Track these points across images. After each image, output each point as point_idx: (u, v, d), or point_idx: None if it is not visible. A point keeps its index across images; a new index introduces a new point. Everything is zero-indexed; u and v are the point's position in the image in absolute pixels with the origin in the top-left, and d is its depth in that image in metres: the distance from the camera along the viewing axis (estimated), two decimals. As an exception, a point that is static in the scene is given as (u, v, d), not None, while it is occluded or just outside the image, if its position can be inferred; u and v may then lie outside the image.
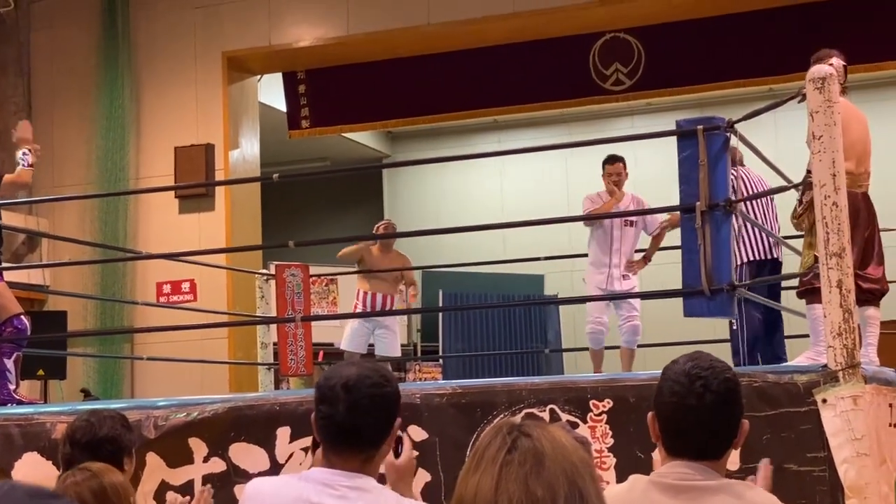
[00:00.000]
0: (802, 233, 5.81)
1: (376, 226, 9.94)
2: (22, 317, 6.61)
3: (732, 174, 6.41)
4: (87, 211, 11.37)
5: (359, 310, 9.68)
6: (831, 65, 5.65)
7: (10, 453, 5.00)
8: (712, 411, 2.36)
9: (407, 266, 9.85)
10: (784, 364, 5.88)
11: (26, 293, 9.98)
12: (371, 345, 9.69)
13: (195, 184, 10.81)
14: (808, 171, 5.15)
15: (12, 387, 6.51)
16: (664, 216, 7.94)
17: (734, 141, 5.27)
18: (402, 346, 13.49)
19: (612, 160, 8.35)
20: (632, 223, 8.21)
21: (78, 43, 11.77)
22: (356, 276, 9.88)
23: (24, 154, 6.75)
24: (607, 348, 8.40)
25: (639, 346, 8.52)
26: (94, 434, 3.51)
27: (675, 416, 2.38)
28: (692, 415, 2.36)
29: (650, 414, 2.45)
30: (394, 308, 9.73)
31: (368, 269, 9.58)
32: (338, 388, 2.46)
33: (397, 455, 2.67)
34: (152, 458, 4.79)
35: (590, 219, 8.12)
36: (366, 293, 9.64)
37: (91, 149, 11.54)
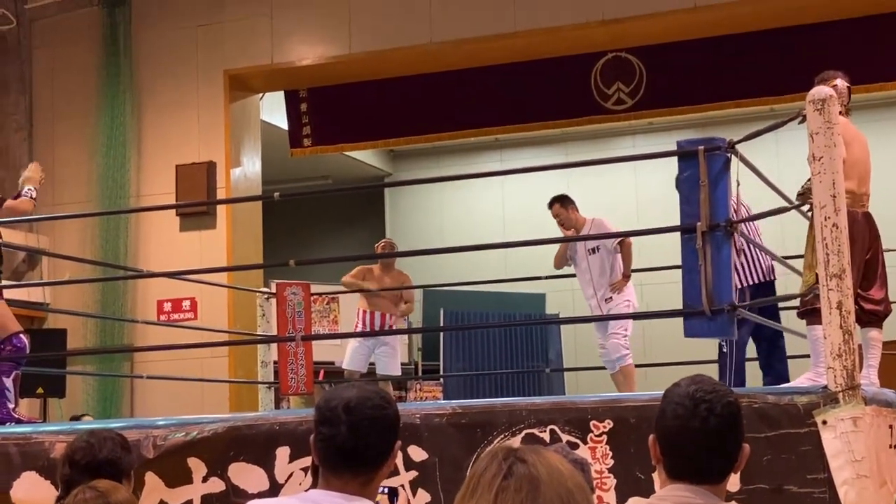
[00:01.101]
0: (799, 254, 5.81)
1: (377, 245, 9.95)
2: (21, 335, 6.60)
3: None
4: (88, 229, 11.38)
5: (359, 329, 9.68)
6: (835, 86, 5.66)
7: (8, 473, 4.98)
8: (715, 435, 2.35)
9: (407, 284, 9.85)
10: (784, 385, 5.87)
11: (26, 311, 9.98)
12: (372, 363, 9.69)
13: (196, 202, 10.82)
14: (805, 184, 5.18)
15: (11, 405, 6.49)
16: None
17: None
18: (403, 364, 13.48)
19: (549, 205, 8.45)
20: (593, 250, 8.26)
21: (79, 61, 11.80)
22: (357, 294, 9.88)
23: (28, 189, 6.79)
24: (598, 368, 8.43)
25: (640, 365, 8.52)
26: (94, 456, 3.50)
27: (677, 438, 2.37)
28: (695, 438, 2.35)
29: (651, 436, 2.44)
30: (394, 326, 9.73)
31: (366, 290, 9.58)
32: (339, 409, 2.45)
33: None
34: (151, 478, 4.77)
35: (573, 241, 8.19)
36: (365, 312, 9.65)
37: (92, 166, 11.55)
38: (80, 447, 3.55)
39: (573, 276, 9.66)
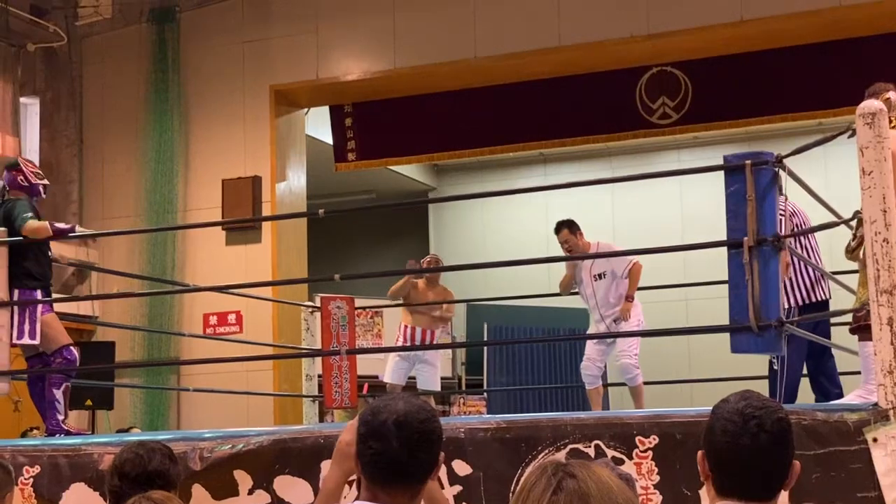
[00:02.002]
0: (851, 268, 5.74)
1: (422, 260, 9.96)
2: (71, 348, 6.68)
3: (790, 207, 6.36)
4: (136, 243, 11.50)
5: (399, 343, 9.69)
6: (887, 99, 5.59)
7: (58, 484, 5.03)
8: (766, 451, 2.33)
9: (448, 298, 9.85)
10: (834, 402, 5.80)
11: (76, 324, 10.09)
12: (412, 377, 9.70)
13: (242, 219, 10.90)
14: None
15: (61, 417, 6.57)
16: (630, 258, 8.18)
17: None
18: (447, 378, 13.51)
19: (556, 230, 8.55)
20: (599, 276, 8.27)
21: (128, 77, 11.95)
22: (400, 308, 9.90)
23: (70, 226, 6.85)
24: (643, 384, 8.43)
25: (686, 381, 8.49)
26: (144, 468, 3.51)
27: (727, 455, 2.35)
28: (745, 455, 2.33)
29: (700, 452, 2.43)
30: (434, 342, 9.73)
31: (410, 303, 9.60)
32: (389, 423, 2.46)
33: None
34: (198, 490, 4.80)
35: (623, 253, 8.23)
36: (406, 327, 9.65)
37: (140, 181, 11.68)
38: (130, 459, 3.56)
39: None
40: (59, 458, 5.09)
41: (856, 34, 10.14)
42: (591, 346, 8.55)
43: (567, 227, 8.49)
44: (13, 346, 6.57)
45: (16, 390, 8.23)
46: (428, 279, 9.74)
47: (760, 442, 2.32)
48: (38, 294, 6.62)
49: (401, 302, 9.76)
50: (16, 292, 6.54)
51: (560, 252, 8.50)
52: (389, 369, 9.59)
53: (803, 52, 10.40)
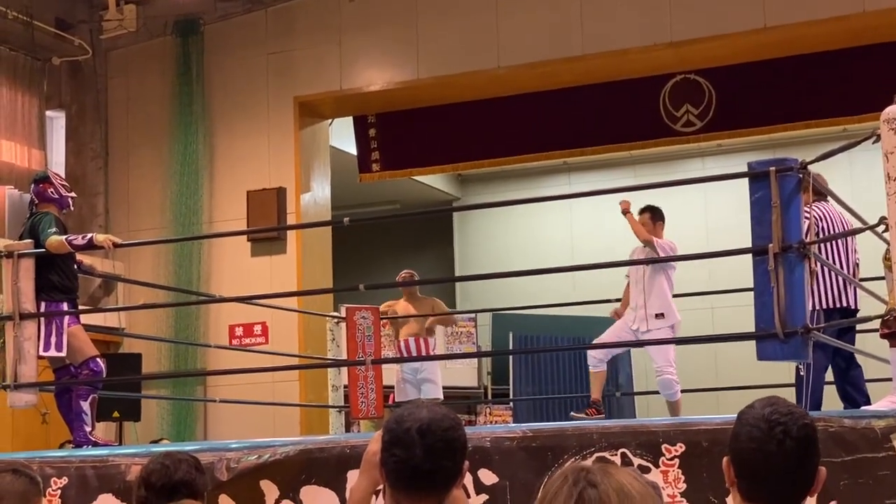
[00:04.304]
0: (879, 275, 5.71)
1: (399, 275, 9.81)
2: (98, 359, 6.71)
3: (817, 211, 6.31)
4: (162, 254, 11.55)
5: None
6: (915, 104, 5.55)
7: (85, 495, 5.06)
8: (792, 458, 2.33)
9: (437, 307, 9.78)
10: (861, 409, 5.76)
11: (102, 335, 10.14)
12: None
13: (267, 228, 10.93)
14: None
15: (88, 428, 6.60)
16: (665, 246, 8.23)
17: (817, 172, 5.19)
18: (473, 389, 13.49)
19: (641, 210, 8.56)
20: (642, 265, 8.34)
21: (153, 89, 12.02)
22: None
23: (90, 236, 6.82)
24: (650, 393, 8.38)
25: (713, 389, 8.43)
26: (170, 478, 3.53)
27: (753, 462, 2.35)
28: (771, 461, 2.33)
29: (726, 458, 2.42)
30: (430, 348, 9.69)
31: (395, 317, 9.61)
32: (413, 431, 2.46)
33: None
34: (224, 501, 4.81)
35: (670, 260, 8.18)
36: (401, 342, 9.60)
37: (166, 193, 11.74)
38: (156, 469, 3.58)
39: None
40: (87, 469, 5.12)
41: (880, 40, 10.09)
42: (611, 331, 8.45)
43: (650, 212, 8.52)
44: (40, 358, 6.61)
45: (43, 402, 8.28)
46: (407, 296, 9.70)
47: (786, 448, 2.32)
48: (65, 306, 6.66)
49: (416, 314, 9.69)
50: (42, 304, 6.59)
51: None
52: (399, 393, 9.56)
53: (827, 58, 10.36)
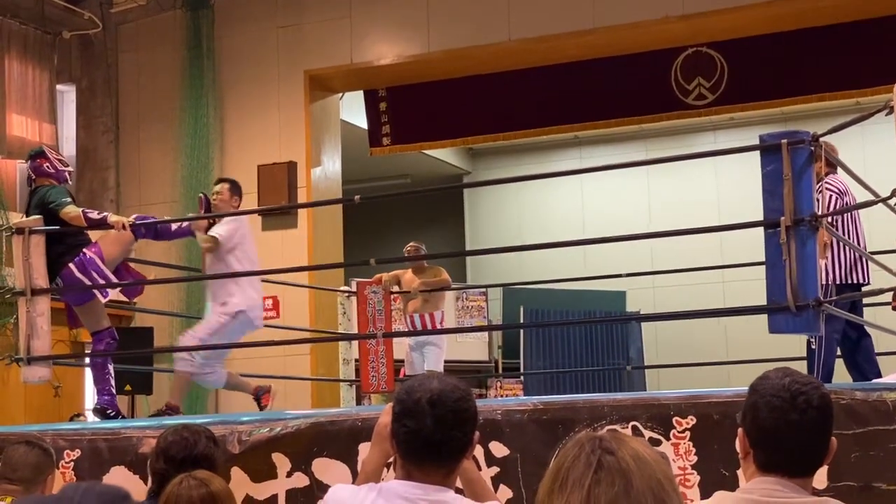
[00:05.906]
0: (890, 248, 5.69)
1: (405, 248, 9.73)
2: (112, 329, 6.79)
3: (840, 185, 6.29)
4: (173, 229, 11.54)
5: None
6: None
7: (98, 467, 5.08)
8: (813, 427, 2.35)
9: (438, 275, 9.65)
10: (873, 381, 5.76)
11: (115, 310, 10.17)
12: None
13: (276, 207, 10.89)
14: None
15: (115, 392, 6.67)
16: None
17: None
18: (484, 363, 13.50)
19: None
20: None
21: (163, 64, 12.01)
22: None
23: (105, 214, 6.82)
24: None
25: (724, 363, 8.41)
26: (190, 451, 3.54)
27: (774, 431, 2.35)
28: (793, 430, 2.34)
29: (740, 429, 2.42)
30: (436, 323, 9.66)
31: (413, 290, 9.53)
32: (423, 402, 2.47)
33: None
34: (237, 473, 4.83)
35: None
36: (410, 316, 9.56)
37: (176, 167, 11.74)
38: (176, 441, 3.58)
39: (654, 273, 9.60)
40: (99, 441, 5.15)
41: (893, 12, 10.02)
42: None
43: (229, 183, 7.86)
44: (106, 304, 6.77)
45: (56, 376, 8.32)
46: (414, 268, 9.65)
47: (808, 417, 2.33)
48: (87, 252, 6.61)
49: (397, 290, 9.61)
50: (72, 266, 6.51)
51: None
52: (409, 363, 9.56)
53: (840, 30, 10.29)
